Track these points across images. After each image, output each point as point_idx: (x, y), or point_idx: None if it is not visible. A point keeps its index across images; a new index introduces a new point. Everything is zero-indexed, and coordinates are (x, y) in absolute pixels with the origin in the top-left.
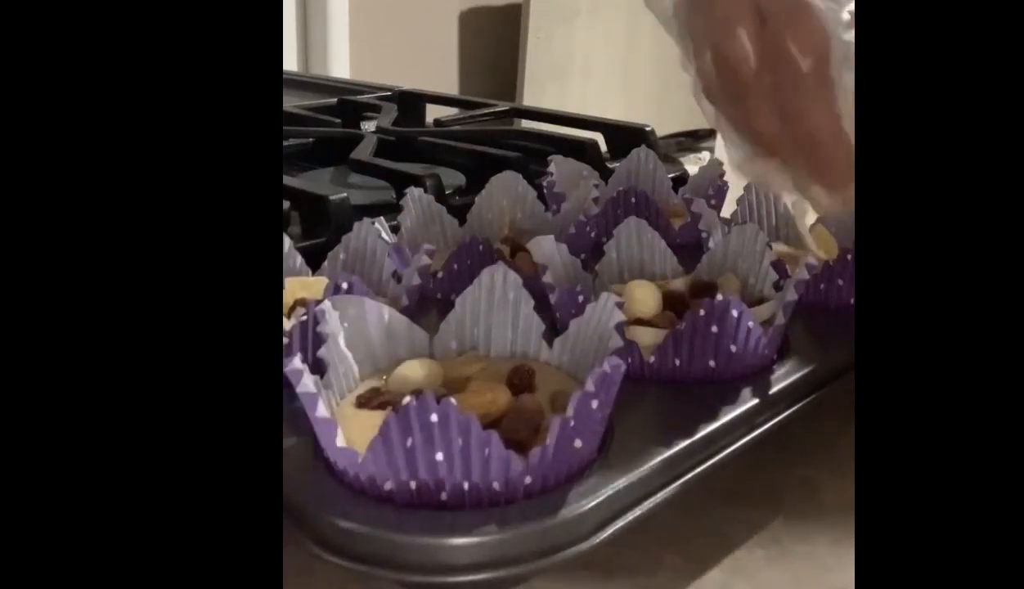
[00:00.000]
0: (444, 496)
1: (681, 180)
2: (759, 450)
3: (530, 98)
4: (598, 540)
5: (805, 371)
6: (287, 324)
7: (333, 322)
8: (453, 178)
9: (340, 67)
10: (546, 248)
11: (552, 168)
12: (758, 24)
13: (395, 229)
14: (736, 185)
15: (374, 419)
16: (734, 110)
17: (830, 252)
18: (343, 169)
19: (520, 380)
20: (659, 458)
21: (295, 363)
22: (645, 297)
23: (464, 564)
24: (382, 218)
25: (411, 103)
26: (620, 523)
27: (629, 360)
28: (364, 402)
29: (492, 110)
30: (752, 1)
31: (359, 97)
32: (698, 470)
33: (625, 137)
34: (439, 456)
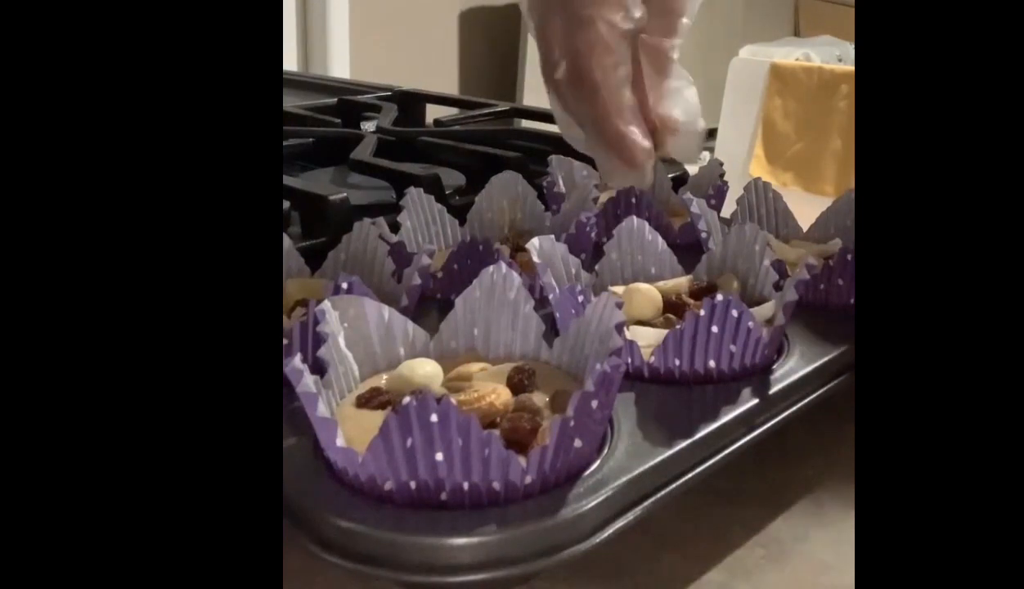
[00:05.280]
0: (444, 496)
1: (681, 180)
2: (759, 450)
3: (530, 98)
4: (598, 540)
5: (805, 371)
6: (287, 324)
7: (333, 322)
8: (453, 178)
9: (340, 67)
10: (546, 248)
11: (552, 168)
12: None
13: (395, 229)
14: (736, 185)
15: (374, 419)
16: (565, 99)
17: None
18: (343, 169)
19: (520, 380)
20: (659, 458)
21: (295, 363)
22: (644, 302)
23: (464, 564)
24: (382, 218)
25: (411, 103)
26: (620, 523)
27: (629, 360)
28: (364, 402)
29: (492, 110)
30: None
31: (359, 97)
32: (698, 470)
33: None
34: (439, 456)
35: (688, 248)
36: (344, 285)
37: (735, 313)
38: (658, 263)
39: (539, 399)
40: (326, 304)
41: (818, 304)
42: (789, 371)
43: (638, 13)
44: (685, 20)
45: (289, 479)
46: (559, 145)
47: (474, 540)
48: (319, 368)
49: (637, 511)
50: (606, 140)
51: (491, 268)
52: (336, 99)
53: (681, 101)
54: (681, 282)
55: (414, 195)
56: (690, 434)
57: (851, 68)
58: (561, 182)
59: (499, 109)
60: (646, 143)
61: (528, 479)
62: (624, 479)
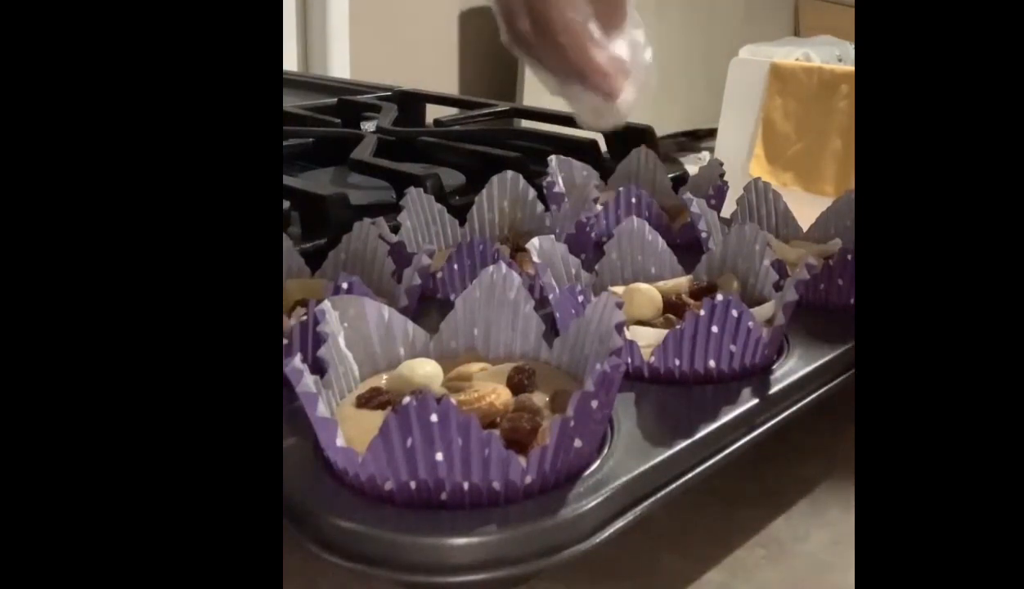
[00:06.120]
0: (444, 496)
1: (681, 180)
2: (759, 450)
3: (530, 98)
4: (598, 540)
5: (805, 371)
6: (287, 324)
7: (333, 322)
8: (453, 178)
9: (340, 67)
10: (546, 248)
11: (552, 168)
12: None
13: (395, 229)
14: (736, 185)
15: (374, 419)
16: (533, 49)
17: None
18: (343, 169)
19: (520, 380)
20: (659, 458)
21: (295, 363)
22: (644, 302)
23: (464, 564)
24: (382, 218)
25: (411, 103)
26: (620, 523)
27: (629, 360)
28: (364, 402)
29: (492, 110)
30: None
31: (359, 97)
32: (698, 470)
33: (625, 137)
34: (439, 456)
35: (688, 248)
36: (344, 285)
37: (735, 313)
38: (658, 263)
39: (539, 399)
40: (326, 304)
41: (818, 304)
42: (789, 371)
43: None
44: None
45: (289, 479)
46: (559, 145)
47: (474, 540)
48: (319, 368)
49: (637, 511)
50: (579, 71)
51: (491, 268)
52: (336, 99)
53: (629, 41)
54: (681, 282)
55: (414, 195)
56: (690, 434)
57: (851, 68)
58: (561, 182)
59: (499, 109)
60: (618, 68)
61: (528, 479)
62: (624, 479)
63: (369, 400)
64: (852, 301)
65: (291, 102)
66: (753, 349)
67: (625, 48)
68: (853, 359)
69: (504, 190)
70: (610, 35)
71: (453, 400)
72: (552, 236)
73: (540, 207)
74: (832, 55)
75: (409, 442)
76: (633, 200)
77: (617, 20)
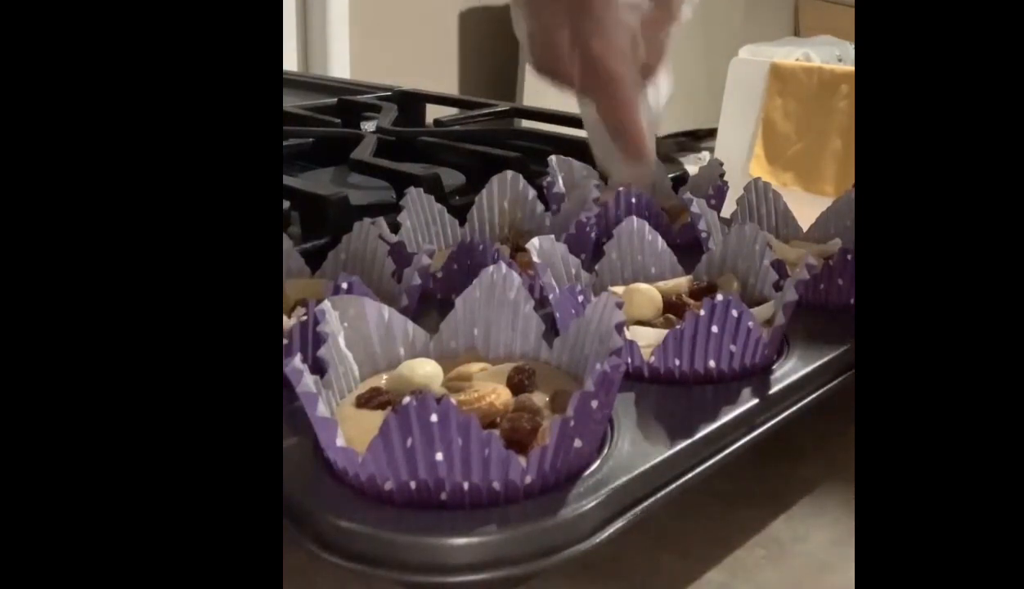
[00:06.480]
0: (444, 496)
1: (681, 180)
2: (759, 450)
3: (530, 98)
4: (598, 540)
5: (805, 371)
6: (287, 324)
7: (333, 322)
8: (453, 178)
9: (340, 67)
10: (546, 248)
11: (552, 168)
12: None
13: (395, 229)
14: (736, 185)
15: (374, 419)
16: (573, 87)
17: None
18: (343, 169)
19: (520, 380)
20: (659, 458)
21: (295, 363)
22: (644, 302)
23: (464, 564)
24: (382, 218)
25: (411, 103)
26: (620, 523)
27: (629, 360)
28: (364, 402)
29: (492, 110)
30: (566, 11)
31: (359, 97)
32: (698, 470)
33: None
34: (439, 456)
35: (688, 248)
36: (344, 285)
37: (735, 313)
38: (658, 263)
39: (539, 399)
40: (326, 304)
41: (818, 304)
42: (789, 371)
43: (647, 7)
44: (687, 9)
45: (289, 479)
46: (559, 145)
47: (474, 540)
48: (319, 368)
49: (637, 511)
50: (622, 131)
51: (491, 268)
52: (336, 99)
53: (655, 91)
54: (681, 282)
55: (414, 195)
56: (690, 434)
57: (851, 68)
58: (561, 182)
59: (499, 109)
60: (649, 128)
61: (528, 479)
62: (624, 479)
63: (369, 400)
64: (852, 301)
65: (291, 102)
66: (753, 349)
67: (653, 96)
68: (853, 359)
69: (504, 190)
70: (646, 81)
71: (453, 400)
72: (552, 236)
73: (540, 207)
74: (832, 55)
75: (409, 442)
76: (633, 200)
77: (655, 62)
